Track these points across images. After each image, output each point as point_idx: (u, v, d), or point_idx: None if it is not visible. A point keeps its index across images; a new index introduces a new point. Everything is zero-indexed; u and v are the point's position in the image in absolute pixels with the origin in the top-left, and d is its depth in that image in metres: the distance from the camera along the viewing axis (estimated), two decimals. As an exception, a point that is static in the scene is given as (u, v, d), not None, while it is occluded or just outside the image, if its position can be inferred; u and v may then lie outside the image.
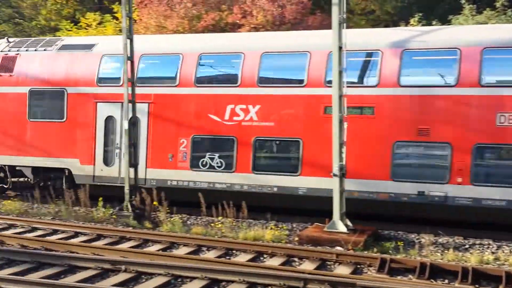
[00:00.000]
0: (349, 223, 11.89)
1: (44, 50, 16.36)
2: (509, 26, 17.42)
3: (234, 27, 21.88)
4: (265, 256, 10.43)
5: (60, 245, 10.53)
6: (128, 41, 13.90)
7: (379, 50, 13.34)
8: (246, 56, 14.26)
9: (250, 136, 14.04)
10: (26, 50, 16.53)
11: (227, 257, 10.30)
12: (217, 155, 14.35)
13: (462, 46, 12.74)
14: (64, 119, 15.71)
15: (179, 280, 8.55)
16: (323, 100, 13.20)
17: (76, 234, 11.84)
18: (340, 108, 11.82)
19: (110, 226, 12.77)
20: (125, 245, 10.94)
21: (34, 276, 8.43)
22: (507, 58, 12.70)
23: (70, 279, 8.36)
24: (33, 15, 34.60)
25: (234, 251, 10.66)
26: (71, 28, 27.30)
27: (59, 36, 24.57)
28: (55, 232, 12.05)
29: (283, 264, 9.89)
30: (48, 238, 11.32)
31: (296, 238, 11.84)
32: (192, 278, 8.50)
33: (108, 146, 15.40)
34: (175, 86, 14.79)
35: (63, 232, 12.01)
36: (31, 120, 16.02)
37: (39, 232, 11.99)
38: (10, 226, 12.44)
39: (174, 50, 15.32)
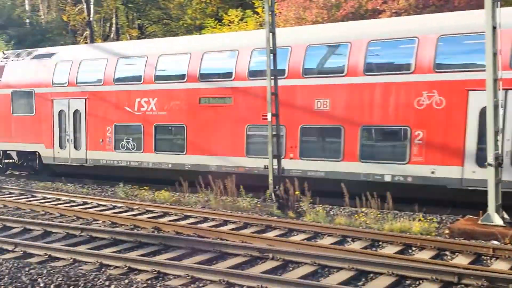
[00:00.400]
0: (506, 215, 11.05)
1: (23, 59, 20.67)
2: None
3: (374, 14, 21.28)
4: (413, 248, 10.03)
5: (211, 232, 10.99)
6: (271, 34, 14.08)
7: (236, 49, 16.13)
8: (148, 59, 17.59)
9: (152, 123, 17.28)
10: (11, 60, 20.94)
11: (373, 249, 10.07)
12: (131, 138, 17.84)
13: (292, 45, 15.14)
14: (34, 113, 19.98)
15: (326, 269, 8.52)
16: (199, 92, 16.19)
17: (225, 222, 12.31)
18: (495, 93, 10.97)
19: (256, 215, 13.09)
20: (271, 234, 11.16)
21: (189, 261, 8.90)
22: (319, 54, 15.08)
23: (221, 265, 8.71)
24: (179, 15, 36.59)
25: (380, 243, 10.39)
26: (215, 25, 28.43)
27: (204, 34, 25.74)
28: (205, 220, 12.63)
29: (433, 257, 9.44)
30: (199, 225, 11.89)
31: (447, 231, 11.24)
32: (339, 269, 8.44)
33: (62, 133, 19.32)
34: (101, 85, 18.53)
35: (213, 220, 12.55)
36: (14, 115, 20.49)
37: (191, 220, 12.65)
38: (165, 214, 13.29)
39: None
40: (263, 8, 25.91)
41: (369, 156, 13.99)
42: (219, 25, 28.67)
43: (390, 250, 9.86)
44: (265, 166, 14.71)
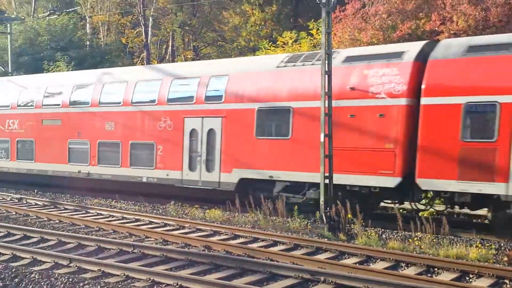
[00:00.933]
0: None
1: None
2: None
3: (432, 35, 20.94)
4: (471, 276, 9.66)
5: (261, 253, 10.93)
6: (326, 56, 14.04)
7: (63, 86, 21.75)
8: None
9: (15, 138, 22.49)
10: None
11: (429, 275, 9.75)
12: (3, 149, 22.90)
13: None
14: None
15: (379, 295, 8.30)
16: (42, 116, 21.70)
17: (275, 243, 12.22)
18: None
19: (306, 236, 12.94)
20: (321, 256, 11.00)
21: (238, 282, 8.86)
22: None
23: (272, 287, 8.62)
24: (234, 37, 37.12)
25: (435, 269, 10.06)
26: (269, 47, 28.64)
27: (258, 55, 25.98)
28: (255, 240, 12.58)
29: (492, 285, 9.07)
30: (249, 245, 11.84)
31: (505, 258, 10.80)
32: (393, 294, 8.20)
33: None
34: None
35: (262, 240, 12.48)
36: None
37: (241, 240, 12.63)
38: (215, 233, 13.32)
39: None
40: (317, 29, 26.01)
41: (134, 163, 18.88)
42: (273, 46, 28.87)
43: (446, 277, 9.53)
44: (79, 171, 20.35)
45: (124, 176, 19.07)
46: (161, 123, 18.25)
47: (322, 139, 13.91)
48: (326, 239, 12.64)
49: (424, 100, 13.52)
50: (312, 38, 27.50)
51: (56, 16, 38.71)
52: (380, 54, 14.92)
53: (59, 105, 21.24)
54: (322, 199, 13.78)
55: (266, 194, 15.83)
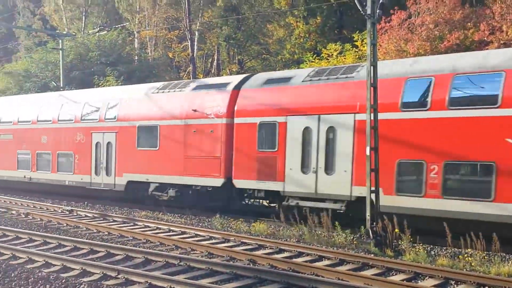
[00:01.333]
0: None
1: None
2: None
3: (481, 45, 20.49)
4: (524, 295, 9.33)
5: (306, 268, 10.85)
6: (372, 68, 13.94)
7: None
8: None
9: None
10: None
11: (479, 294, 9.48)
12: None
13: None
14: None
15: (427, 313, 8.11)
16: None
17: (320, 258, 12.12)
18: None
19: (352, 251, 12.79)
20: (368, 272, 10.83)
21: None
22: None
23: (316, 302, 8.56)
24: (278, 50, 37.27)
25: (486, 287, 9.76)
26: (314, 59, 28.65)
27: (302, 68, 26.00)
28: (300, 254, 12.51)
29: (547, 307, 8.71)
30: (294, 260, 11.79)
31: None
32: (441, 313, 8.00)
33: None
34: None
35: (307, 255, 12.40)
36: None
37: (286, 254, 12.58)
38: (260, 247, 13.32)
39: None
40: (362, 41, 25.87)
41: (60, 169, 23.49)
42: (318, 59, 28.87)
43: (497, 295, 9.23)
44: (24, 176, 25.05)
45: (54, 180, 23.87)
46: (76, 137, 22.90)
47: (368, 153, 13.76)
48: (372, 255, 12.45)
49: (236, 120, 17.90)
50: (357, 50, 27.38)
51: (105, 32, 39.87)
52: (215, 84, 19.72)
53: (11, 122, 26.48)
54: (368, 214, 13.61)
55: (145, 193, 20.36)
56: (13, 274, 10.14)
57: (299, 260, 11.84)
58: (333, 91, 16.17)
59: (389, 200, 14.36)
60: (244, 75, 20.33)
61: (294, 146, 16.43)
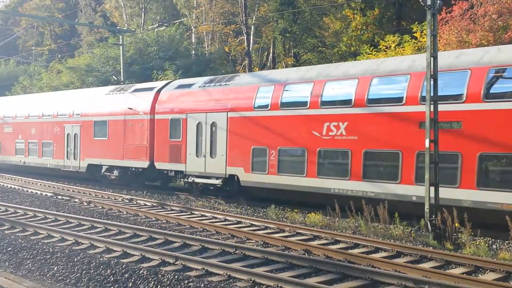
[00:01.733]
0: None
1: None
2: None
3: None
4: None
5: (362, 259, 10.75)
6: (432, 59, 13.59)
7: None
8: None
9: None
10: None
11: (544, 289, 9.11)
12: None
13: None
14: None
15: (488, 307, 7.89)
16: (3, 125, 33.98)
17: (376, 250, 11.97)
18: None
19: (409, 244, 12.56)
20: (426, 265, 10.62)
21: (340, 287, 8.77)
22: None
23: (373, 292, 8.48)
24: (334, 43, 36.86)
25: (552, 283, 9.38)
26: (371, 51, 28.17)
27: (359, 60, 25.65)
28: (356, 245, 12.39)
29: None
30: (350, 251, 11.69)
31: None
32: (503, 307, 7.76)
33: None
34: None
35: (363, 246, 12.27)
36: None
37: (341, 245, 12.49)
38: (315, 237, 13.28)
39: None
40: (421, 32, 25.22)
41: (44, 155, 29.47)
42: (375, 51, 28.35)
43: None
44: (20, 160, 31.66)
45: (39, 163, 29.84)
46: (54, 129, 28.83)
47: (427, 145, 13.45)
48: (431, 248, 12.18)
49: (156, 116, 23.00)
50: (416, 41, 26.72)
51: (164, 27, 40.58)
52: (146, 88, 24.97)
53: (11, 117, 33.05)
54: (426, 206, 13.32)
55: (99, 174, 25.99)
56: (76, 259, 10.53)
57: (355, 251, 11.75)
58: (215, 95, 20.88)
59: (247, 177, 19.10)
60: (166, 81, 25.78)
61: (192, 136, 21.22)
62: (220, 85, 21.13)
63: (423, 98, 14.46)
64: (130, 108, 24.19)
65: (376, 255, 11.39)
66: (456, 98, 14.33)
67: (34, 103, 32.33)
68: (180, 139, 21.71)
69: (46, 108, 30.17)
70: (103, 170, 25.79)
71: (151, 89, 24.25)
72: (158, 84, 25.03)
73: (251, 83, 20.23)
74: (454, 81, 14.59)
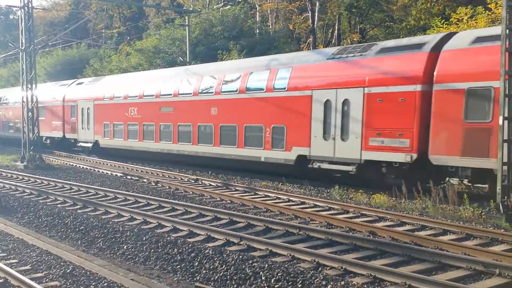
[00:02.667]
0: None
1: None
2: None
3: None
4: None
5: (429, 241, 10.47)
6: (507, 31, 12.88)
7: None
8: None
9: None
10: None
11: None
12: None
13: None
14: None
15: None
16: None
17: (444, 232, 11.62)
18: None
19: (479, 226, 12.11)
20: (497, 248, 10.22)
21: (406, 269, 8.61)
22: None
23: (441, 276, 8.25)
24: (402, 17, 35.78)
25: None
26: (442, 24, 27.11)
27: (429, 34, 24.75)
28: (423, 228, 12.07)
29: None
30: (417, 233, 11.40)
31: None
32: None
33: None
34: None
35: (431, 228, 11.93)
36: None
37: (408, 227, 12.20)
38: (381, 219, 13.03)
39: None
40: (496, 3, 23.98)
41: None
42: (446, 24, 27.26)
43: None
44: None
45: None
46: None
47: (501, 122, 12.84)
48: (502, 230, 11.69)
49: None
50: (490, 13, 25.46)
51: (228, 7, 40.70)
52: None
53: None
54: (499, 187, 12.77)
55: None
56: (144, 238, 10.86)
57: (422, 233, 11.44)
58: None
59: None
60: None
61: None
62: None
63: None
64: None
65: (444, 238, 11.05)
66: None
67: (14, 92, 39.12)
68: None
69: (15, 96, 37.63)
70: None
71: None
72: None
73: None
74: None
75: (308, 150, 18.42)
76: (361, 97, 16.71)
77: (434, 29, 27.35)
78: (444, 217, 13.11)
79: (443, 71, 15.13)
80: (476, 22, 25.48)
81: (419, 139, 15.47)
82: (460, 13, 26.70)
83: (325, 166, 17.99)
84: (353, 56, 17.74)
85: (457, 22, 26.54)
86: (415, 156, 15.56)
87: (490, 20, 25.05)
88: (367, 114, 16.62)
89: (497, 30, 14.71)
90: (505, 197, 12.66)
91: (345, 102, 17.27)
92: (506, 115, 12.85)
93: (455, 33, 16.78)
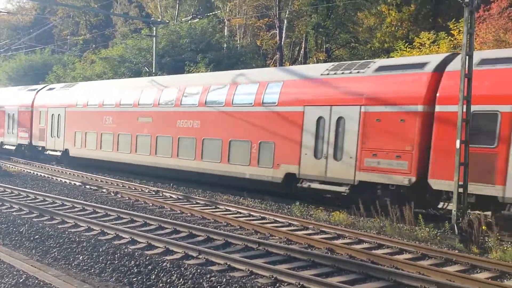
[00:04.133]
0: None
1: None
2: None
3: None
4: None
5: (385, 260, 10.63)
6: (467, 57, 13.33)
7: None
8: None
9: None
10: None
11: None
12: None
13: None
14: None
15: (512, 315, 7.71)
16: None
17: (401, 251, 11.83)
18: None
19: (434, 246, 12.37)
20: (451, 268, 10.45)
21: (362, 287, 8.70)
22: None
23: (394, 295, 8.38)
24: (367, 39, 36.47)
25: None
26: (405, 48, 27.78)
27: (392, 57, 25.32)
28: (380, 246, 12.26)
29: None
30: (374, 251, 11.58)
31: None
32: (528, 316, 7.57)
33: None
34: None
35: (388, 247, 12.13)
36: None
37: (365, 245, 12.37)
38: (339, 236, 13.18)
39: None
40: (459, 30, 24.73)
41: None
42: (409, 47, 27.96)
43: None
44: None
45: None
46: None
47: (458, 146, 13.21)
48: (456, 251, 11.99)
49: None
50: (452, 39, 26.25)
51: (197, 20, 40.76)
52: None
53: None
54: (454, 209, 13.10)
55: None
56: (101, 249, 10.67)
57: (379, 252, 11.62)
58: None
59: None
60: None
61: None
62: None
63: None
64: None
65: (400, 257, 11.25)
66: None
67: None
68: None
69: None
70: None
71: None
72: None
73: None
74: None
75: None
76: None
77: (398, 52, 28.02)
78: (400, 236, 13.35)
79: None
80: (438, 47, 26.22)
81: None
82: (423, 37, 27.44)
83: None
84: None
85: (420, 47, 27.26)
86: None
87: (452, 45, 25.82)
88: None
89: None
90: (460, 218, 12.99)
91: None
92: (463, 138, 13.24)
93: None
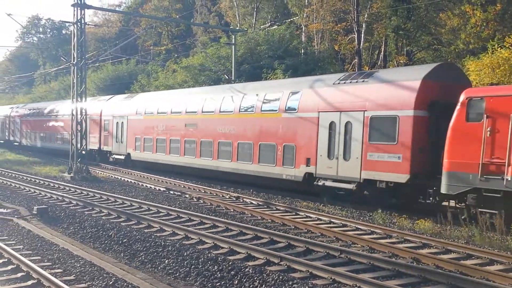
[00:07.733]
0: None
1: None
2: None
3: None
4: None
5: (475, 271, 10.18)
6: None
7: None
8: None
9: None
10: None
11: None
12: None
13: None
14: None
15: None
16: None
17: (492, 262, 11.28)
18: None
19: (529, 258, 11.67)
20: (548, 282, 9.82)
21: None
22: None
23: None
24: (451, 40, 35.22)
25: None
26: (497, 48, 26.43)
27: (479, 58, 24.21)
28: (469, 256, 11.75)
29: None
30: (462, 262, 11.10)
31: None
32: None
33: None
34: None
35: (477, 257, 11.61)
36: None
37: (453, 255, 11.89)
38: (425, 246, 12.74)
39: None
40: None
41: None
42: (499, 47, 26.60)
43: None
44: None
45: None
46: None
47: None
48: (554, 263, 11.26)
49: None
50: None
51: (275, 27, 41.01)
52: None
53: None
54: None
55: None
56: (185, 253, 10.93)
57: (468, 262, 11.13)
58: None
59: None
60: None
61: None
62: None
63: None
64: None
65: (492, 268, 10.72)
66: None
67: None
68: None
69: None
70: None
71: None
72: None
73: None
74: None
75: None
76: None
77: (489, 50, 26.38)
78: (491, 247, 12.72)
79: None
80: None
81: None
82: (514, 37, 25.98)
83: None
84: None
85: (510, 47, 25.86)
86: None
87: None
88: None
89: None
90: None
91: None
92: None
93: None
